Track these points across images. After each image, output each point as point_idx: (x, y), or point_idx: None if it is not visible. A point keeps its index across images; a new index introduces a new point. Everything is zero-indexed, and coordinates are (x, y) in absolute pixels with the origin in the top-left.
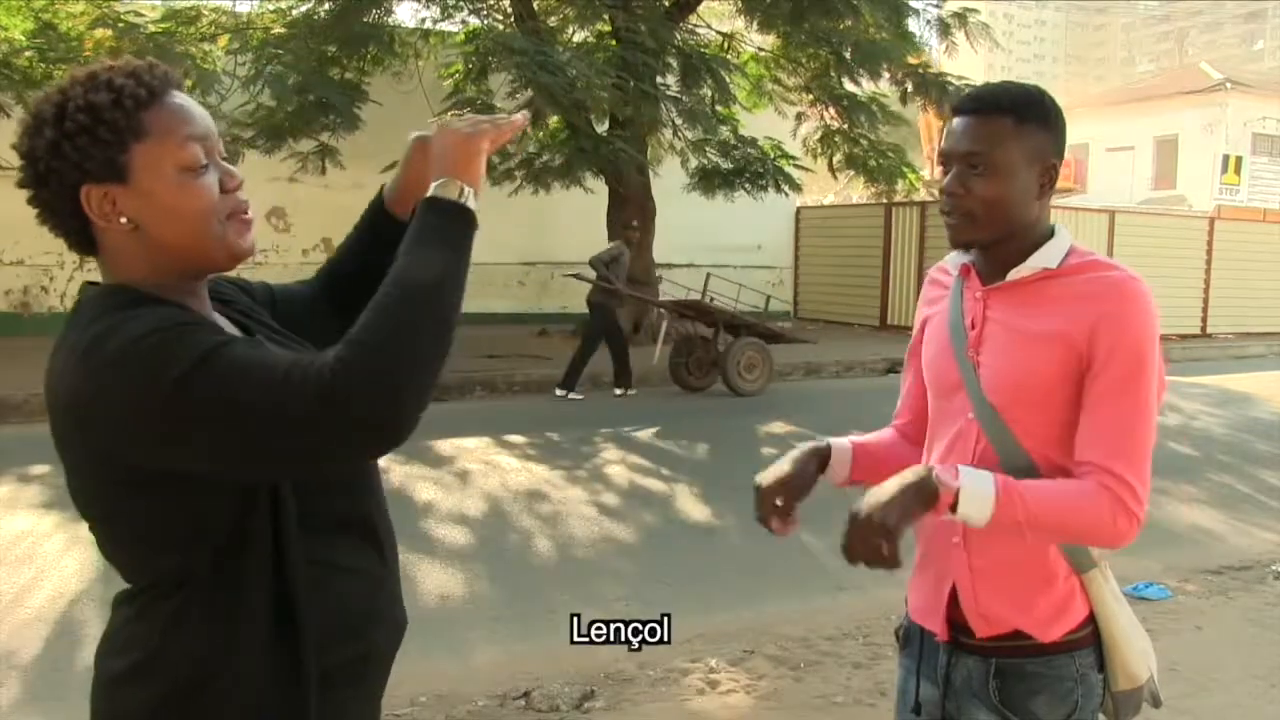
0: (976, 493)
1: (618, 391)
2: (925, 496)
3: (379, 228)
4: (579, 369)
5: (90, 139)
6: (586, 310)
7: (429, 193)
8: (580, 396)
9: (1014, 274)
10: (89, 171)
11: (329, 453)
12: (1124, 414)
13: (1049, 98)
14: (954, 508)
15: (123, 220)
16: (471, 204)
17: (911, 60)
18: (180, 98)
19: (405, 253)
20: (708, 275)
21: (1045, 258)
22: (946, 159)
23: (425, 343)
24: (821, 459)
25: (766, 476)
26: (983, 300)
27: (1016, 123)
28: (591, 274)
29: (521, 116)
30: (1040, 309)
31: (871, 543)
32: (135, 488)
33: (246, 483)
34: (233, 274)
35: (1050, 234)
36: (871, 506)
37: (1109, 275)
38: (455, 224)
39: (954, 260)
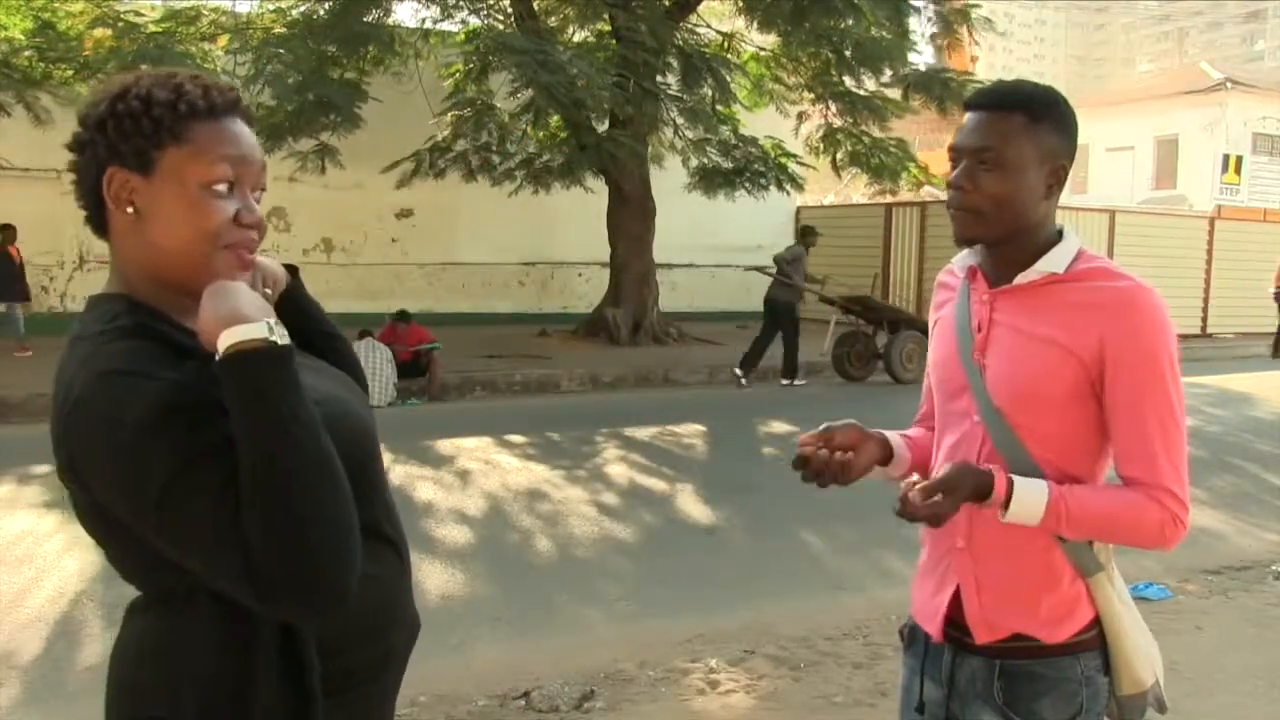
0: (1025, 508)
1: (784, 381)
2: (979, 497)
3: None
4: (793, 357)
5: (133, 124)
6: (764, 305)
7: (220, 353)
8: (748, 386)
9: (1021, 278)
10: (120, 154)
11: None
12: (1151, 427)
13: (1064, 100)
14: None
15: (130, 210)
16: (278, 338)
17: (953, 68)
18: (238, 125)
19: (240, 438)
20: (875, 275)
21: (1052, 262)
22: (957, 153)
23: (316, 517)
24: (885, 452)
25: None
26: (989, 303)
27: (1030, 121)
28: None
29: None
30: (1046, 314)
31: (932, 511)
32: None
33: None
34: None
35: (1057, 236)
36: (939, 487)
37: (1115, 285)
38: (266, 375)
39: (961, 262)
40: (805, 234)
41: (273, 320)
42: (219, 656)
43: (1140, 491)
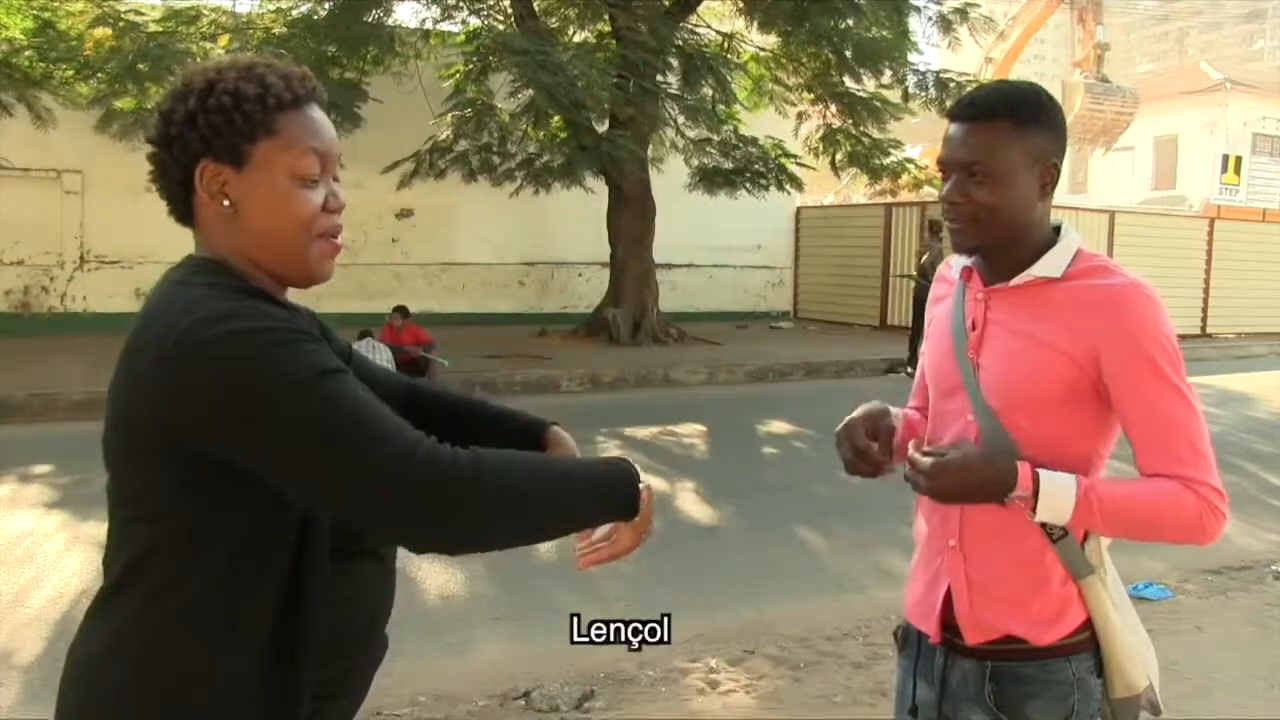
0: (1054, 503)
1: (909, 370)
2: (996, 497)
3: (515, 438)
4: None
5: (225, 120)
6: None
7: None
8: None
9: (1018, 280)
10: (213, 149)
11: (377, 517)
12: (1165, 417)
13: (1047, 96)
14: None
15: (225, 203)
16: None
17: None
18: (318, 112)
19: (568, 469)
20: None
21: (1048, 266)
22: (946, 167)
23: (518, 525)
24: (889, 427)
25: (851, 419)
26: (984, 301)
27: (1015, 126)
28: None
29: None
30: (1040, 314)
31: (937, 483)
32: (175, 462)
33: (291, 498)
34: None
35: (1054, 235)
36: (955, 469)
37: (1107, 284)
38: (621, 490)
39: (958, 262)
40: (935, 229)
41: (646, 485)
42: (202, 652)
43: (1171, 481)
